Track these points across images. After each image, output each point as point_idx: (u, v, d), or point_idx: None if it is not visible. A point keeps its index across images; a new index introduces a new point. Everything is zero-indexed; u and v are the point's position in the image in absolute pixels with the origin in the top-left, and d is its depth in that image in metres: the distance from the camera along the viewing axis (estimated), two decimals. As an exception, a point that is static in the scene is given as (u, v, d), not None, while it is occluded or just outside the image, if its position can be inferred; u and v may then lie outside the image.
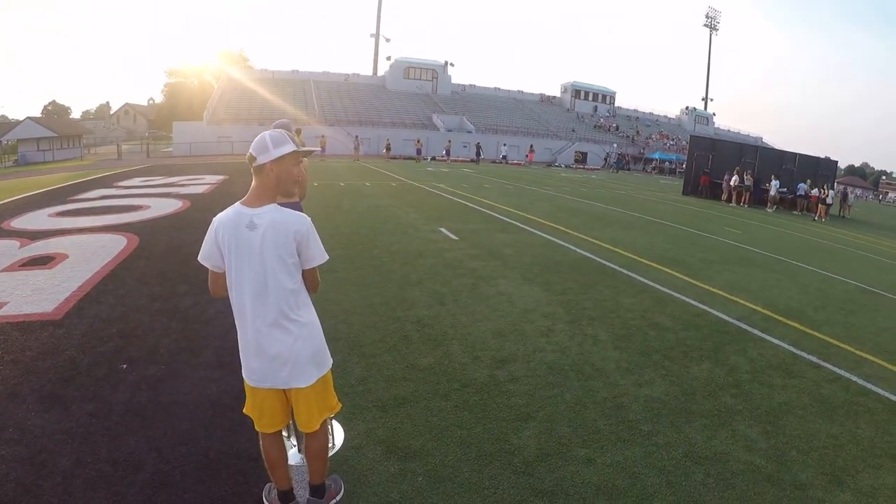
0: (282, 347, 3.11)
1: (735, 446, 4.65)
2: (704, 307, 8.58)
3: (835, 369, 6.60)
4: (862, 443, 4.92)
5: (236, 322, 3.15)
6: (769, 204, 29.55)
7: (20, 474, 3.79)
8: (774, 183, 29.29)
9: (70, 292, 7.43)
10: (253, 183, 3.09)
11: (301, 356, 3.17)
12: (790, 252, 15.25)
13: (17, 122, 59.72)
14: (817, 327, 8.16)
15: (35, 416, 4.50)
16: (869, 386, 6.21)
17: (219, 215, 3.09)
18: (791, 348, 7.14)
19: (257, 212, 3.03)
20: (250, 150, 3.05)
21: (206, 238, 3.09)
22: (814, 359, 6.86)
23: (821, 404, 5.61)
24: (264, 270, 3.04)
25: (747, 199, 29.48)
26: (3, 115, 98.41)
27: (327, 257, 3.24)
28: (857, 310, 9.67)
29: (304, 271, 3.19)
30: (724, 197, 30.65)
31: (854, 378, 6.39)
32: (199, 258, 3.12)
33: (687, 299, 8.93)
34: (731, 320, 8.07)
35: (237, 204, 3.08)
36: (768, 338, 7.46)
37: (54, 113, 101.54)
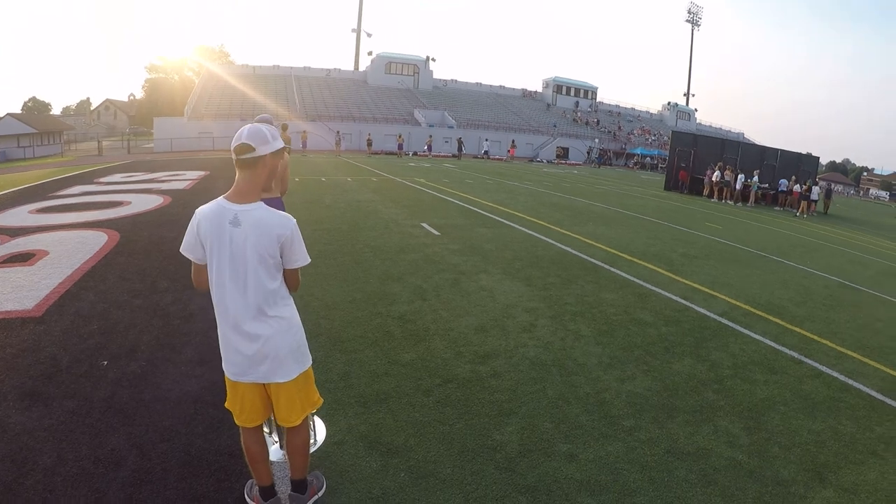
0: (261, 342, 3.12)
1: (717, 442, 4.69)
2: (686, 303, 8.65)
3: (816, 365, 6.68)
4: (843, 439, 4.99)
5: (217, 315, 3.15)
6: (719, 197, 29.87)
7: (0, 472, 3.77)
8: (740, 177, 29.51)
9: (51, 289, 7.38)
10: (239, 177, 3.05)
11: (280, 351, 3.18)
12: (771, 248, 15.41)
13: (-2, 119, 59.10)
14: (798, 323, 8.26)
15: (16, 414, 4.48)
16: (850, 382, 6.29)
17: (201, 208, 3.07)
18: (773, 344, 7.22)
19: (243, 208, 3.02)
20: (245, 141, 2.99)
21: (188, 229, 3.07)
22: (795, 354, 6.94)
23: (803, 400, 5.67)
24: (245, 267, 3.03)
25: (728, 194, 29.61)
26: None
27: (309, 260, 3.24)
28: (837, 305, 9.77)
29: (285, 271, 3.20)
30: (706, 192, 30.81)
31: (835, 374, 6.47)
32: (181, 249, 3.10)
33: (669, 295, 9.01)
34: (712, 316, 8.14)
35: (220, 198, 3.06)
36: (750, 333, 7.53)
37: (34, 109, 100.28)
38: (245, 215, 3.01)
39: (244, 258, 3.02)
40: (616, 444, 4.55)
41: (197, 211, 3.07)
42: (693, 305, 8.54)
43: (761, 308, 8.79)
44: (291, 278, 3.25)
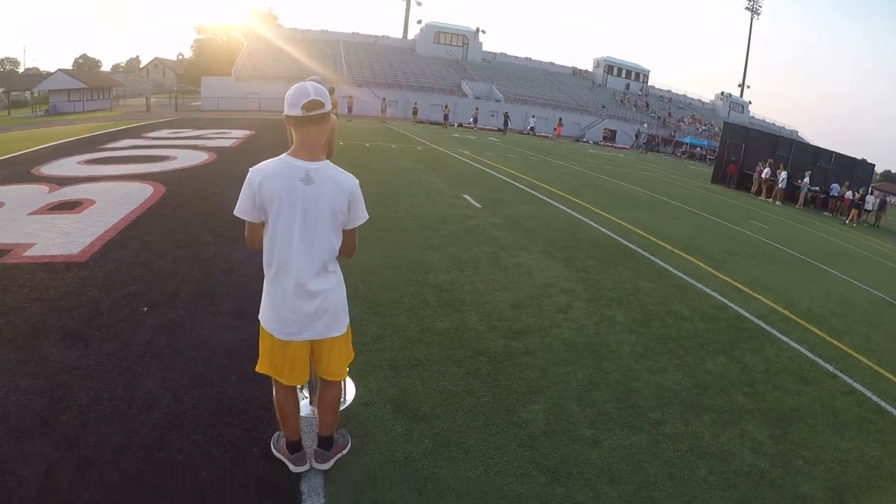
0: (321, 298, 3.17)
1: (742, 447, 4.60)
2: (725, 300, 8.47)
3: (851, 382, 6.45)
4: (869, 462, 4.81)
5: (273, 274, 3.16)
6: (767, 195, 28.98)
7: (39, 406, 3.89)
8: (782, 174, 28.46)
9: (96, 236, 7.52)
10: (303, 134, 3.03)
11: (338, 305, 3.28)
12: (816, 254, 14.90)
13: (49, 74, 60.24)
14: (837, 335, 7.98)
15: (56, 352, 4.60)
16: (883, 404, 6.04)
17: (258, 167, 3.05)
18: (808, 353, 7.00)
19: (314, 166, 3.03)
20: (316, 98, 2.97)
21: (243, 191, 3.04)
22: (830, 367, 6.72)
23: (833, 416, 5.49)
24: (316, 225, 3.06)
25: (778, 194, 28.80)
26: (35, 67, 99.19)
27: (367, 217, 3.27)
28: (879, 323, 9.37)
29: (345, 232, 3.22)
30: (754, 189, 30.06)
31: (869, 394, 6.23)
32: (237, 213, 3.08)
33: (708, 290, 8.83)
34: (750, 317, 7.95)
35: (284, 156, 3.06)
36: (786, 340, 7.33)
37: (85, 66, 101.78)
38: (317, 173, 3.03)
39: (317, 215, 3.05)
40: (640, 436, 4.50)
41: (254, 170, 3.05)
42: (731, 304, 8.36)
43: (800, 315, 8.54)
44: (351, 240, 3.30)
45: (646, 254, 10.53)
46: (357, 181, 3.17)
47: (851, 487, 4.39)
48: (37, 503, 3.07)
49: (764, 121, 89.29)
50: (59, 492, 3.15)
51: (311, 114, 2.97)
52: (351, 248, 3.33)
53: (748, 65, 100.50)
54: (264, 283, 3.26)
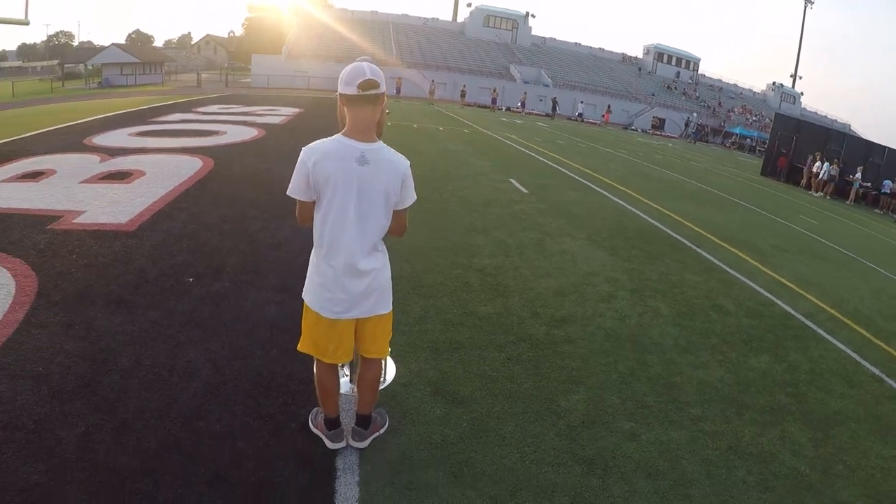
0: (371, 277, 3.17)
1: (782, 448, 4.45)
2: (771, 297, 8.22)
3: None
4: None
5: (324, 254, 3.14)
6: (816, 188, 27.98)
7: (82, 369, 3.96)
8: (825, 165, 27.56)
9: (145, 207, 7.62)
10: (358, 114, 2.99)
11: (385, 283, 3.29)
12: (867, 252, 14.30)
13: (103, 48, 61.51)
14: (885, 338, 7.62)
15: (101, 317, 4.67)
16: None
17: (312, 146, 3.01)
18: (854, 355, 6.74)
19: (369, 147, 3.00)
20: (372, 77, 2.91)
21: (297, 170, 3.01)
22: (877, 371, 6.44)
23: (877, 421, 5.26)
24: (370, 205, 3.05)
25: (830, 189, 27.93)
26: (89, 41, 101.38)
27: (416, 198, 3.25)
28: None
29: (396, 213, 3.19)
30: (804, 182, 29.29)
31: None
32: (290, 193, 3.06)
33: (754, 286, 8.59)
34: (796, 315, 7.70)
35: (339, 136, 3.02)
36: (832, 340, 7.07)
37: (138, 41, 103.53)
38: (372, 154, 3.00)
39: (371, 196, 3.03)
40: (680, 431, 4.38)
41: (308, 149, 3.01)
42: (778, 301, 8.11)
43: (848, 315, 8.22)
44: (402, 220, 3.26)
45: (692, 245, 10.31)
46: (409, 162, 3.15)
47: (892, 496, 4.23)
48: (74, 464, 3.10)
49: (816, 113, 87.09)
50: (97, 453, 3.19)
51: (366, 93, 2.92)
52: (402, 228, 3.30)
53: (801, 55, 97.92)
54: (311, 261, 3.25)
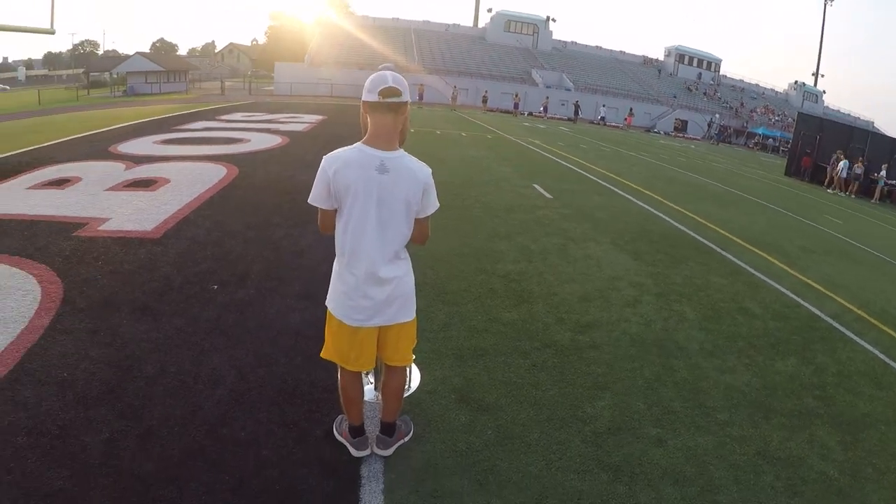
0: (393, 285, 3.16)
1: (810, 452, 4.36)
2: (797, 299, 8.09)
3: None
4: None
5: (345, 262, 3.14)
6: (837, 187, 27.50)
7: (106, 375, 3.98)
8: (843, 163, 27.10)
9: (169, 214, 7.68)
10: (378, 122, 2.99)
11: (408, 292, 3.27)
12: (893, 251, 14.05)
13: (128, 56, 62.54)
14: None
15: (126, 324, 4.70)
16: None
17: (333, 155, 3.02)
18: (882, 356, 6.60)
19: (388, 155, 2.99)
20: (394, 85, 2.93)
21: (317, 179, 3.02)
22: None
23: None
24: (390, 214, 3.04)
25: (852, 187, 27.51)
26: (114, 50, 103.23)
27: (439, 205, 3.24)
28: None
29: (418, 220, 3.18)
30: (827, 181, 28.83)
31: None
32: (311, 201, 3.07)
33: (780, 288, 8.47)
34: (823, 316, 7.57)
35: (359, 144, 3.02)
36: (860, 341, 6.94)
37: (162, 49, 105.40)
38: (392, 162, 2.99)
39: (391, 205, 3.02)
40: (707, 437, 4.31)
41: (328, 158, 3.02)
42: (804, 303, 7.98)
43: (875, 316, 8.05)
44: (423, 228, 3.25)
45: (717, 248, 10.19)
46: (430, 170, 3.14)
47: (925, 500, 4.16)
48: (98, 470, 3.10)
49: (839, 111, 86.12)
50: (121, 460, 3.20)
51: (387, 100, 2.93)
52: (424, 236, 3.29)
53: (822, 53, 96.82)
54: (334, 269, 3.25)
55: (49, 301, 4.95)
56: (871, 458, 4.45)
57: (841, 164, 27.36)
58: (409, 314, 3.31)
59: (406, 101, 3.00)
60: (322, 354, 3.36)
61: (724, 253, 9.94)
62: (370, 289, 3.12)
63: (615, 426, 4.25)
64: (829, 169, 28.57)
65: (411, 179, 3.03)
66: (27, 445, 3.21)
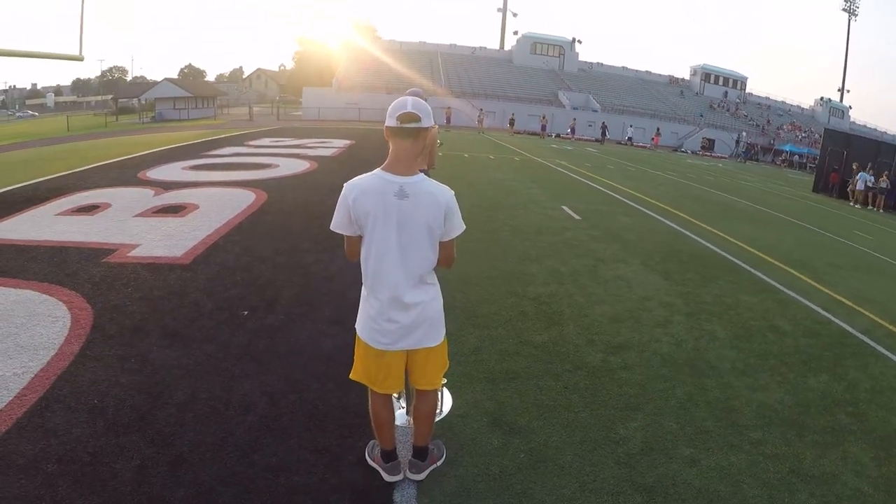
0: (419, 309, 3.15)
1: (845, 469, 4.28)
2: (828, 315, 7.97)
3: None
4: None
5: (370, 287, 3.16)
6: (855, 200, 27.24)
7: (137, 402, 3.99)
8: (861, 175, 26.91)
9: (199, 240, 7.74)
10: (398, 148, 3.01)
11: (434, 316, 3.25)
12: None
13: (156, 83, 63.59)
14: None
15: (157, 350, 4.73)
16: None
17: (353, 182, 3.04)
18: None
19: (408, 181, 3.00)
20: (412, 111, 2.94)
21: (338, 206, 3.05)
22: None
23: None
24: (411, 239, 3.04)
25: (881, 202, 27.00)
26: (142, 76, 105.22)
27: (464, 227, 3.22)
28: None
29: (442, 244, 3.17)
30: (853, 197, 28.39)
31: None
32: (333, 227, 3.10)
33: (810, 304, 8.34)
34: (854, 332, 7.44)
35: (378, 171, 3.04)
36: (892, 356, 6.82)
37: (190, 75, 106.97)
38: (411, 187, 2.99)
39: (412, 230, 3.02)
40: (740, 456, 4.25)
41: (348, 185, 3.05)
42: (835, 319, 7.85)
43: (907, 331, 7.95)
44: (448, 252, 3.24)
45: (746, 266, 10.08)
46: (452, 193, 3.13)
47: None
48: (129, 497, 3.10)
49: (865, 126, 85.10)
50: (153, 486, 3.19)
51: (405, 126, 2.95)
52: (450, 259, 3.29)
53: (847, 68, 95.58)
54: (362, 293, 3.26)
55: (79, 327, 4.99)
56: (904, 473, 4.38)
57: (858, 176, 27.16)
58: (436, 339, 3.29)
59: (426, 127, 3.00)
60: (351, 375, 3.36)
61: (753, 271, 9.82)
62: (395, 313, 3.12)
63: (648, 447, 4.21)
64: (850, 183, 28.21)
65: (432, 203, 3.03)
66: (58, 473, 3.21)
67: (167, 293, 5.93)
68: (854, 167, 27.98)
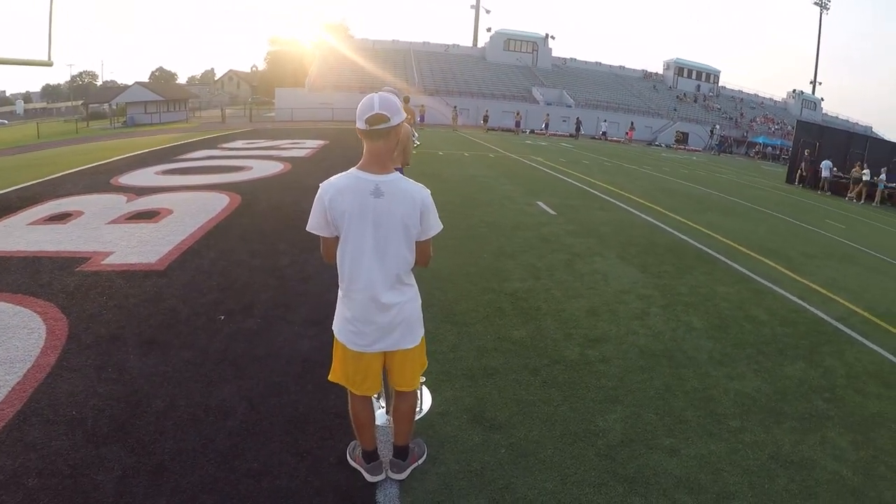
0: (395, 310, 3.14)
1: (823, 454, 4.37)
2: (803, 303, 8.11)
3: None
4: None
5: (346, 287, 3.15)
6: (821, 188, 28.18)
7: (116, 411, 3.96)
8: (825, 163, 27.82)
9: (173, 245, 7.68)
10: (371, 147, 2.99)
11: (412, 317, 3.24)
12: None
13: (127, 87, 62.90)
14: None
15: (134, 359, 4.69)
16: None
17: (329, 182, 3.03)
18: (890, 356, 6.61)
19: (383, 179, 2.99)
20: (381, 112, 2.91)
21: (314, 207, 3.03)
22: None
23: None
24: (388, 238, 3.03)
25: (861, 193, 27.37)
26: (112, 80, 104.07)
27: (442, 227, 3.21)
28: None
29: (419, 243, 3.16)
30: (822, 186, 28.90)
31: None
32: (309, 229, 3.08)
33: (785, 293, 8.48)
34: (829, 320, 7.59)
35: (353, 170, 3.03)
36: (867, 342, 6.96)
37: (161, 78, 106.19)
38: (387, 186, 2.98)
39: (388, 228, 3.01)
40: (719, 444, 4.33)
41: (324, 185, 3.04)
42: (810, 307, 7.99)
43: (881, 317, 8.06)
44: (425, 250, 3.23)
45: (722, 257, 10.20)
46: (428, 191, 3.12)
47: (938, 494, 4.15)
48: (112, 508, 3.07)
49: (837, 117, 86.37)
50: (134, 497, 3.18)
51: (374, 128, 2.93)
52: (426, 257, 3.28)
53: (819, 60, 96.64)
54: (339, 293, 3.24)
55: (54, 338, 4.94)
56: (883, 456, 4.49)
57: (822, 164, 28.01)
58: (413, 340, 3.29)
59: (396, 125, 2.99)
60: (329, 377, 3.36)
61: (728, 262, 9.94)
62: (371, 314, 3.11)
63: (628, 438, 4.26)
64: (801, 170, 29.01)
65: (407, 202, 3.02)
66: (39, 487, 3.19)
67: (143, 300, 5.88)
68: (807, 155, 28.92)
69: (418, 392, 3.96)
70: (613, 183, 19.17)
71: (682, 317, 6.94)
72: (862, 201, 26.48)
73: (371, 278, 3.06)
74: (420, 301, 3.33)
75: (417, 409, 4.01)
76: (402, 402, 3.46)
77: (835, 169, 28.30)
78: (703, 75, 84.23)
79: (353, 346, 3.18)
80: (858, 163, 27.36)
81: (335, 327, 3.26)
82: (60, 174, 13.58)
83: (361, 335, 3.15)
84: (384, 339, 3.17)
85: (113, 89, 71.28)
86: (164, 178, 13.20)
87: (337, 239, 3.10)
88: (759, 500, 3.74)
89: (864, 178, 26.59)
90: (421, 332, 3.35)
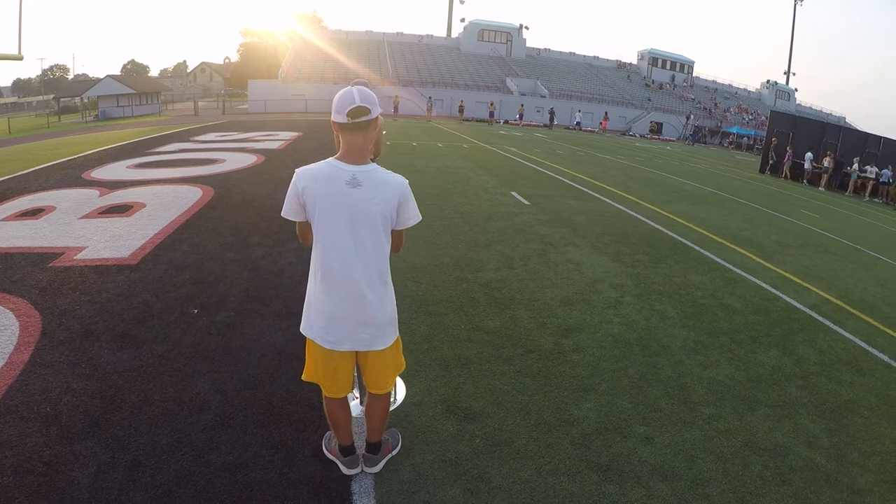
0: (371, 309, 3.08)
1: (796, 441, 4.45)
2: (776, 292, 8.22)
3: None
4: None
5: (321, 281, 3.06)
6: (785, 175, 29.11)
7: (90, 407, 3.94)
8: (808, 155, 28.42)
9: (146, 239, 7.63)
10: (350, 139, 2.95)
11: (385, 317, 3.17)
12: (868, 241, 14.30)
13: (98, 80, 61.94)
14: (891, 325, 7.61)
15: (107, 354, 4.66)
16: None
17: (304, 169, 2.99)
18: (862, 344, 6.73)
19: (360, 169, 2.95)
20: (362, 104, 2.88)
21: (289, 193, 2.99)
22: (885, 358, 6.43)
23: (888, 407, 5.25)
24: (365, 229, 2.98)
25: (825, 181, 27.82)
26: (84, 74, 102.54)
27: (420, 217, 3.19)
28: None
29: (394, 232, 3.14)
30: (784, 174, 29.70)
31: None
32: (284, 214, 3.04)
33: (758, 282, 8.59)
34: (802, 308, 7.70)
35: (331, 160, 2.99)
36: (839, 330, 7.07)
37: (133, 71, 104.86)
38: (364, 176, 2.95)
39: (366, 219, 2.97)
40: (694, 432, 4.39)
41: (299, 172, 2.99)
42: (783, 295, 8.11)
43: (854, 305, 8.20)
44: (399, 239, 3.21)
45: (695, 246, 10.30)
46: (406, 181, 3.09)
47: (909, 479, 4.24)
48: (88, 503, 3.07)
49: (811, 108, 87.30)
50: (110, 492, 3.17)
51: (355, 121, 2.90)
52: (398, 244, 3.25)
53: (793, 52, 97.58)
54: (308, 288, 3.19)
55: (27, 335, 4.90)
56: (855, 442, 4.56)
57: (806, 155, 28.59)
58: (385, 342, 3.22)
59: (375, 118, 2.98)
60: (303, 377, 3.35)
61: (702, 251, 10.04)
62: (343, 310, 3.05)
63: (602, 427, 4.30)
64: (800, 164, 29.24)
65: (385, 191, 2.98)
66: (14, 485, 3.17)
67: (115, 295, 5.84)
68: (772, 141, 29.75)
69: (392, 390, 3.98)
70: (587, 173, 19.26)
71: (656, 306, 7.01)
72: (821, 187, 26.98)
73: (349, 269, 3.00)
74: (394, 301, 3.28)
75: (392, 400, 4.01)
76: (375, 401, 3.44)
77: (815, 163, 28.75)
78: (678, 66, 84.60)
79: (322, 342, 3.12)
80: (830, 153, 27.79)
81: (303, 325, 3.20)
82: (32, 169, 13.37)
83: (330, 331, 3.08)
84: (354, 338, 3.11)
85: (84, 83, 70.11)
86: (136, 172, 13.05)
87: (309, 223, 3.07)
88: (734, 486, 3.79)
89: (868, 175, 27.15)
90: (394, 334, 3.28)
